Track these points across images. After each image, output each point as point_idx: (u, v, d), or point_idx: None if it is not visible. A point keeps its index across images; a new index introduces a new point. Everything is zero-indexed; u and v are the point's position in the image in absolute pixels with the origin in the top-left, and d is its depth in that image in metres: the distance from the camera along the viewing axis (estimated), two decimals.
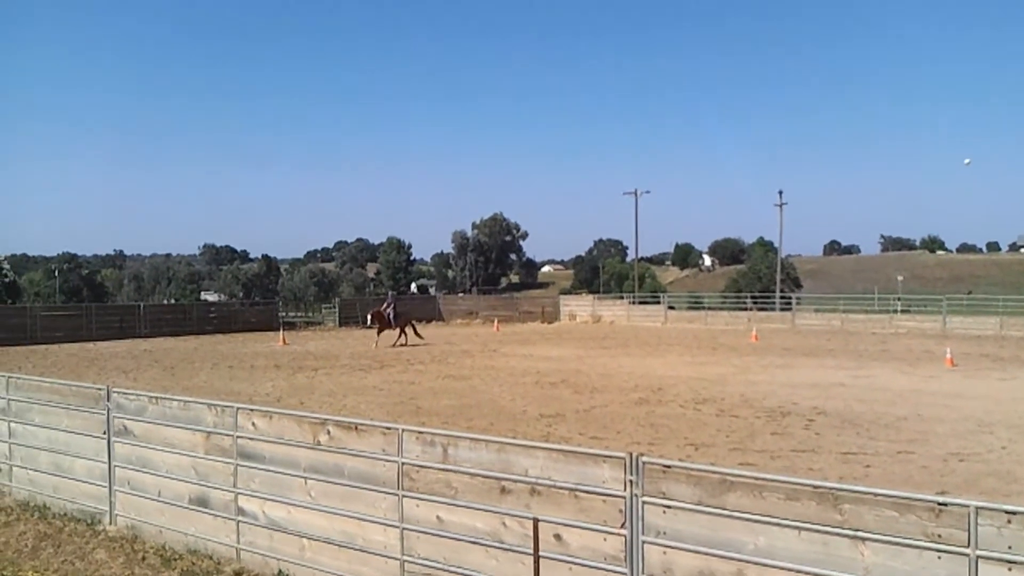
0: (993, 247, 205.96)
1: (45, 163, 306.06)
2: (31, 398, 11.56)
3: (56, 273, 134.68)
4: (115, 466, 10.39)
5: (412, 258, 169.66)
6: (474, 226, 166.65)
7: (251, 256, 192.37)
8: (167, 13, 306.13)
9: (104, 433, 10.47)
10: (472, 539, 7.16)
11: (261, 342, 41.28)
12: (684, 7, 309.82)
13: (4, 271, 69.69)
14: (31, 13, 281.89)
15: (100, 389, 10.71)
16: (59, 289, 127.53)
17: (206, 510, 9.33)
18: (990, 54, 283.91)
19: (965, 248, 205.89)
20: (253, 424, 8.86)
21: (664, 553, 6.19)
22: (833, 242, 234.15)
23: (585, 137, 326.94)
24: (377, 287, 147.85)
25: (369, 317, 37.84)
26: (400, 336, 37.56)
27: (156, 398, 10.13)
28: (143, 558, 9.31)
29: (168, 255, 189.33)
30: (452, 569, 7.30)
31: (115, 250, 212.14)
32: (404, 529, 7.60)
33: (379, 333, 36.93)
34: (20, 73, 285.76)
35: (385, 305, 38.74)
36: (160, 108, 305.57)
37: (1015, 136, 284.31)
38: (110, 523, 10.44)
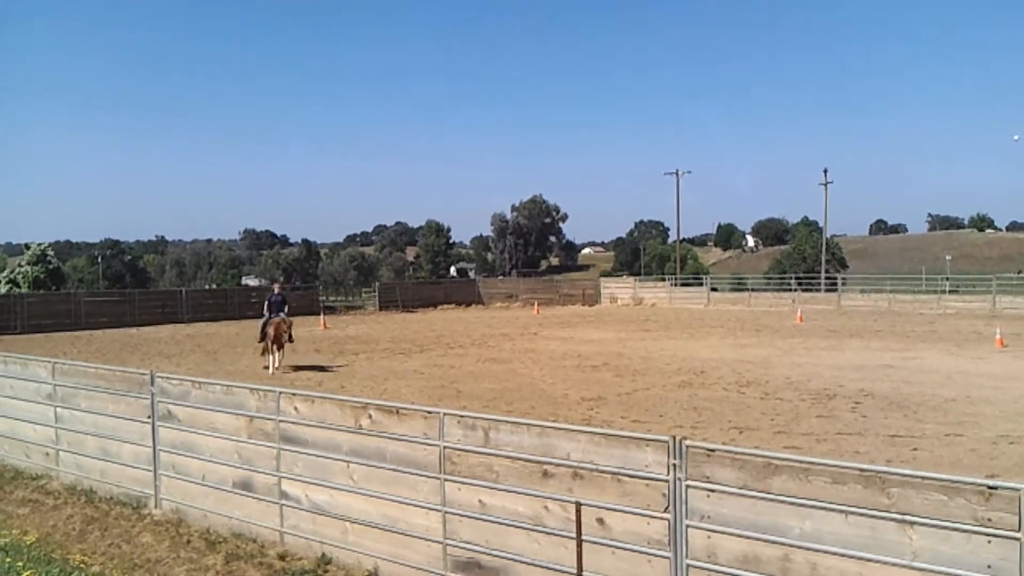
0: None
1: (86, 150, 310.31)
2: (77, 383, 11.73)
3: (99, 259, 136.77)
4: (160, 450, 10.51)
5: (451, 241, 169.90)
6: (513, 208, 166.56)
7: (291, 241, 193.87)
8: None
9: (149, 418, 10.58)
10: (514, 523, 7.13)
11: (302, 326, 41.33)
12: None
13: (48, 258, 70.42)
14: None
15: (144, 374, 10.82)
16: (102, 275, 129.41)
17: (250, 494, 9.40)
18: None
19: (1015, 226, 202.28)
20: (295, 408, 8.89)
21: (708, 537, 6.13)
22: (879, 221, 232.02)
23: (625, 117, 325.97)
24: (417, 271, 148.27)
25: (268, 332, 23.53)
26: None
27: (199, 383, 10.21)
28: (188, 541, 9.41)
29: (209, 240, 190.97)
30: (494, 553, 7.28)
31: (157, 236, 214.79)
32: (446, 513, 7.60)
33: (280, 348, 23.85)
34: (63, 58, 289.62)
35: (278, 310, 23.87)
36: (200, 93, 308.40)
37: None
38: (155, 507, 10.56)
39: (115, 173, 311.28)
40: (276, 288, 25.52)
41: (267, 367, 23.50)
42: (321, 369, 24.20)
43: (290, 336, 23.96)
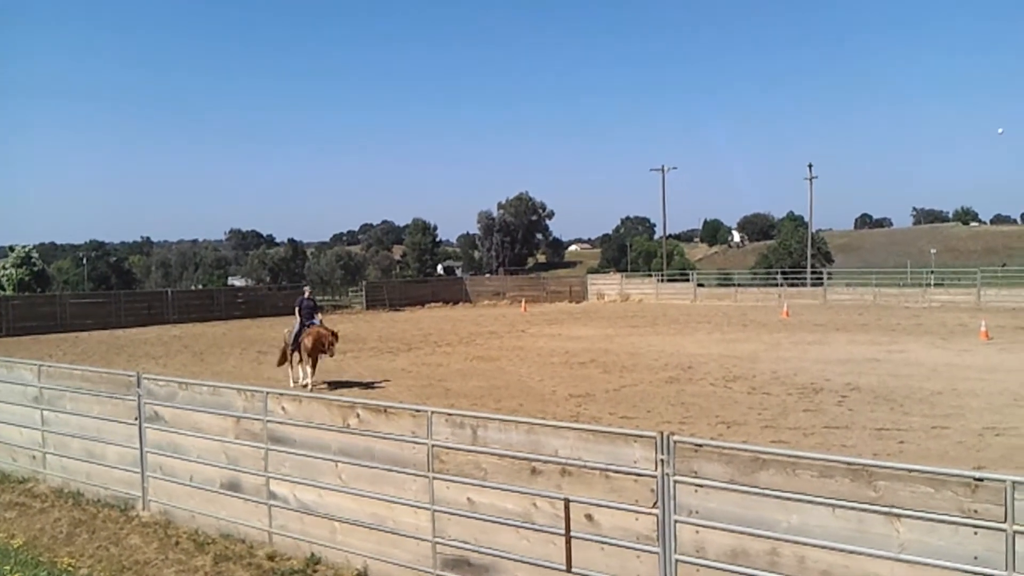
0: None
1: (70, 151, 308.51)
2: (62, 386, 11.66)
3: (84, 261, 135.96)
4: (147, 452, 10.47)
5: (438, 239, 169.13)
6: (500, 206, 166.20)
7: (277, 240, 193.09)
8: None
9: (135, 419, 10.54)
10: (503, 520, 7.14)
11: (289, 326, 41.27)
12: None
13: (33, 260, 70.23)
14: None
15: (130, 376, 10.78)
16: (87, 277, 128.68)
17: (237, 494, 9.38)
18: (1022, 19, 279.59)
19: (999, 219, 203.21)
20: (283, 408, 8.87)
21: (697, 532, 6.15)
22: (864, 215, 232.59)
23: (611, 114, 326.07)
24: (404, 269, 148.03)
25: (304, 342, 20.25)
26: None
27: (186, 384, 10.18)
28: (176, 543, 9.38)
29: (195, 241, 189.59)
30: (483, 550, 7.29)
31: (142, 237, 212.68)
32: (435, 511, 7.60)
33: (314, 359, 20.31)
34: (45, 58, 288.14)
35: (309, 316, 21.09)
36: (184, 92, 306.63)
37: None
38: (143, 508, 10.52)
39: (99, 174, 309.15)
40: (307, 292, 22.22)
41: (297, 381, 20.35)
42: (367, 386, 20.67)
43: (332, 349, 20.20)
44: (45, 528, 10.18)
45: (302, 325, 20.64)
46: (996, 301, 44.26)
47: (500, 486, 7.16)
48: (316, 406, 8.65)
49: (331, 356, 20.50)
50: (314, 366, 20.22)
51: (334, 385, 20.44)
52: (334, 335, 20.24)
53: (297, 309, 21.31)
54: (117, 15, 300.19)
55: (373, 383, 21.02)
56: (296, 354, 20.73)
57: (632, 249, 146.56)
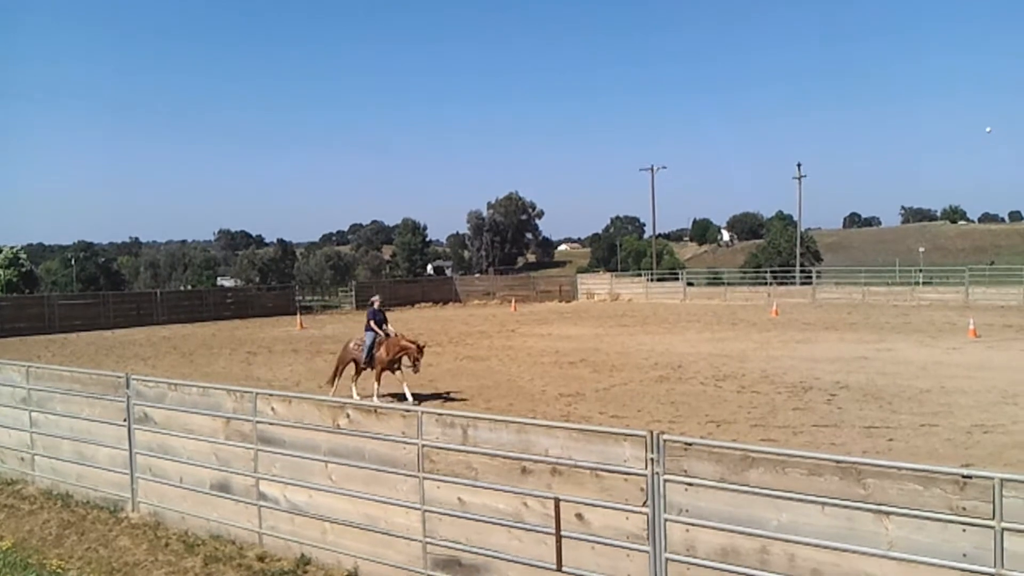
0: (1015, 216, 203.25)
1: (58, 152, 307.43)
2: (51, 387, 11.61)
3: (72, 262, 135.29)
4: (136, 453, 10.44)
5: (428, 239, 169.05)
6: (489, 206, 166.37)
7: (266, 241, 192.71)
8: None
9: (124, 421, 10.50)
10: (494, 520, 7.14)
11: (278, 327, 41.42)
12: None
13: (21, 261, 69.97)
14: None
15: (120, 377, 10.74)
16: (76, 278, 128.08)
17: (228, 495, 9.35)
18: (1011, 19, 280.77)
19: (987, 218, 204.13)
20: (272, 409, 8.85)
21: (687, 531, 6.16)
22: (853, 214, 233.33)
23: (600, 113, 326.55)
24: (393, 269, 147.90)
25: (379, 355, 18.16)
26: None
27: (175, 385, 10.15)
28: (166, 544, 9.36)
29: (183, 241, 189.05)
30: (474, 550, 7.29)
31: (130, 237, 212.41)
32: (426, 511, 7.59)
33: (382, 373, 18.39)
34: (34, 59, 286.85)
35: (384, 326, 18.68)
36: (173, 92, 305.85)
37: None
38: (133, 510, 10.49)
39: (88, 175, 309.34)
40: (376, 303, 19.51)
41: (370, 395, 17.60)
42: (445, 398, 18.88)
43: (417, 365, 17.88)
44: (34, 530, 10.15)
45: (375, 336, 18.40)
46: (984, 299, 44.52)
47: (491, 486, 7.15)
48: (306, 407, 8.64)
49: (416, 372, 18.04)
50: (379, 380, 18.22)
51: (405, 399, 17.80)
52: (420, 349, 18.00)
53: (371, 321, 18.68)
54: (107, 16, 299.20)
55: (449, 394, 19.33)
56: (375, 369, 18.42)
57: (622, 248, 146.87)
